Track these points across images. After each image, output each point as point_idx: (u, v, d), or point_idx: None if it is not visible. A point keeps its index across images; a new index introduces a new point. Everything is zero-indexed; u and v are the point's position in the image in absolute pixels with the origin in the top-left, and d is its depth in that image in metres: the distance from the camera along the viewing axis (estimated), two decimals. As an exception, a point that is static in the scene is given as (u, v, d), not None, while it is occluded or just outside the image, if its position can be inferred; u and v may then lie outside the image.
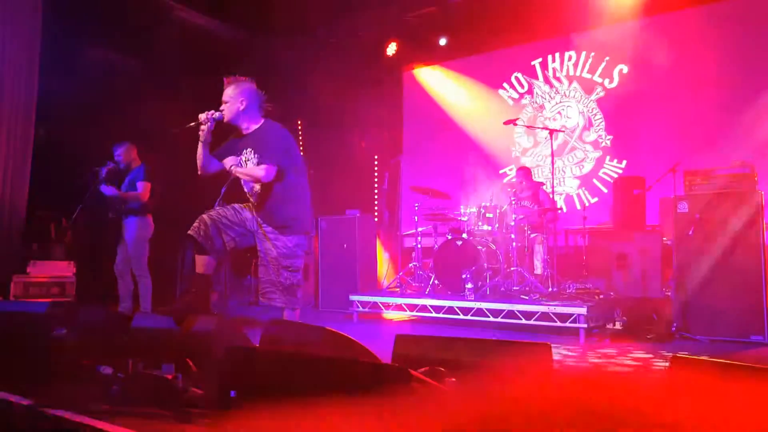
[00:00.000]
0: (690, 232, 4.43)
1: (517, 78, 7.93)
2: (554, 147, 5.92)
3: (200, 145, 3.44)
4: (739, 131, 5.90)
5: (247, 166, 3.43)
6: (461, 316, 5.24)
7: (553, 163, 5.77)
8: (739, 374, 1.38)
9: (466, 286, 5.37)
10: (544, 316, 4.71)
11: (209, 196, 4.71)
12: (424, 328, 5.29)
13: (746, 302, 4.15)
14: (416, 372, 1.81)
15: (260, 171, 3.38)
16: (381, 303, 5.86)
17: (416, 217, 6.48)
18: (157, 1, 7.72)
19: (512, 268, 5.55)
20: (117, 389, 2.32)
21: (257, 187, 3.46)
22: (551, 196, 5.91)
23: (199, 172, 3.51)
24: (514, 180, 6.74)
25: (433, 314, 5.44)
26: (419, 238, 6.43)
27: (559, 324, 4.62)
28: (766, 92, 5.94)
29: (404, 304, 5.69)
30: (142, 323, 2.97)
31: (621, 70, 7.13)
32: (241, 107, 3.43)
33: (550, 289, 5.24)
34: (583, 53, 7.41)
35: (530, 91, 7.84)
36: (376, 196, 9.01)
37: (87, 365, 2.63)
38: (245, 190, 3.56)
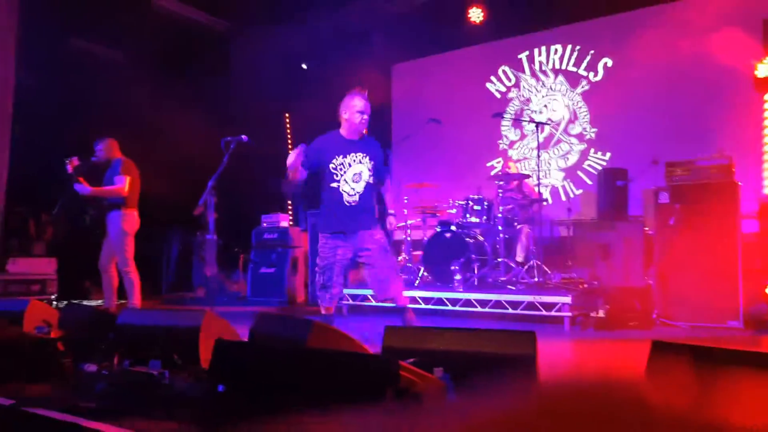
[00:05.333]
0: (671, 222, 4.54)
1: (504, 71, 7.99)
2: (540, 140, 6.01)
3: (298, 170, 3.67)
4: (719, 123, 6.02)
5: (353, 168, 3.69)
6: (450, 307, 5.32)
7: (539, 155, 5.85)
8: (715, 357, 1.46)
9: (455, 277, 5.46)
10: (531, 305, 4.81)
11: (195, 188, 4.71)
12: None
13: (723, 289, 4.28)
14: (405, 363, 1.88)
15: (393, 194, 4.04)
16: (370, 295, 5.92)
17: (405, 210, 6.54)
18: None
19: (499, 259, 5.64)
20: (102, 387, 2.28)
21: (361, 190, 3.71)
22: (537, 188, 6.01)
23: (293, 179, 3.77)
24: (500, 172, 6.82)
25: (423, 306, 5.52)
26: (408, 230, 6.49)
27: (544, 313, 4.72)
28: (743, 85, 6.06)
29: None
30: (128, 320, 2.97)
31: (605, 63, 7.23)
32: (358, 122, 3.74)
33: (535, 279, 5.34)
34: (569, 47, 7.49)
35: (517, 85, 7.91)
36: (364, 189, 9.04)
37: (71, 363, 2.59)
38: (348, 189, 3.70)
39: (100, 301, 5.34)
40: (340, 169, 3.67)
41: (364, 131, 3.78)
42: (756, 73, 5.78)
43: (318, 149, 3.72)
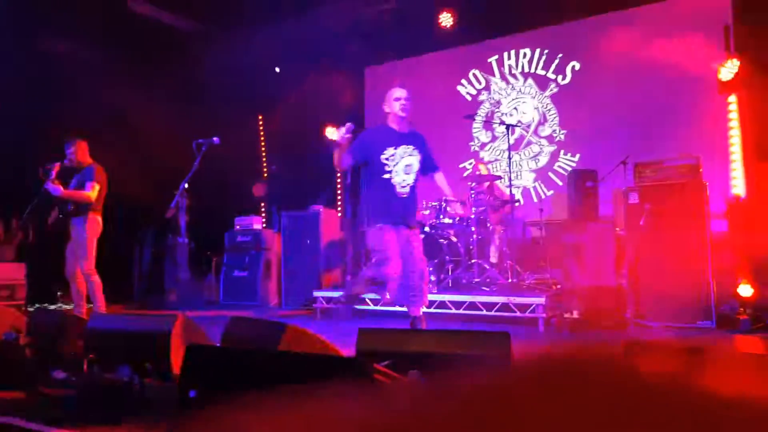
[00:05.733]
0: (641, 222, 4.63)
1: (474, 74, 8.06)
2: (511, 141, 6.07)
3: (339, 150, 3.68)
4: (686, 124, 6.18)
5: (405, 160, 3.74)
6: (424, 309, 5.32)
7: (510, 157, 5.91)
8: (686, 355, 1.49)
9: (429, 278, 5.46)
10: (505, 306, 4.85)
11: (167, 190, 4.64)
12: (388, 322, 5.36)
13: (694, 289, 4.35)
14: (379, 365, 1.87)
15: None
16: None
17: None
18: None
19: (473, 261, 5.67)
20: (71, 394, 2.25)
21: (411, 181, 3.77)
22: (509, 189, 6.06)
23: (341, 169, 3.98)
24: (472, 174, 6.87)
25: (397, 308, 5.51)
26: (382, 232, 6.48)
27: (519, 314, 4.76)
28: (708, 87, 6.22)
29: (368, 298, 5.74)
30: (98, 325, 2.90)
31: (573, 66, 7.35)
32: (400, 111, 3.78)
33: (509, 280, 5.38)
34: (537, 50, 7.60)
35: (487, 88, 7.98)
36: (339, 191, 9.02)
37: (39, 369, 2.55)
38: (400, 181, 3.73)
39: (69, 306, 5.25)
40: (392, 161, 3.70)
41: (412, 125, 3.89)
42: (719, 76, 5.94)
43: (367, 142, 3.77)
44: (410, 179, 3.74)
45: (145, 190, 6.63)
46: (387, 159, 3.69)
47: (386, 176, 3.69)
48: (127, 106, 6.75)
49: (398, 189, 3.70)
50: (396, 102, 3.77)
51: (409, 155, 3.75)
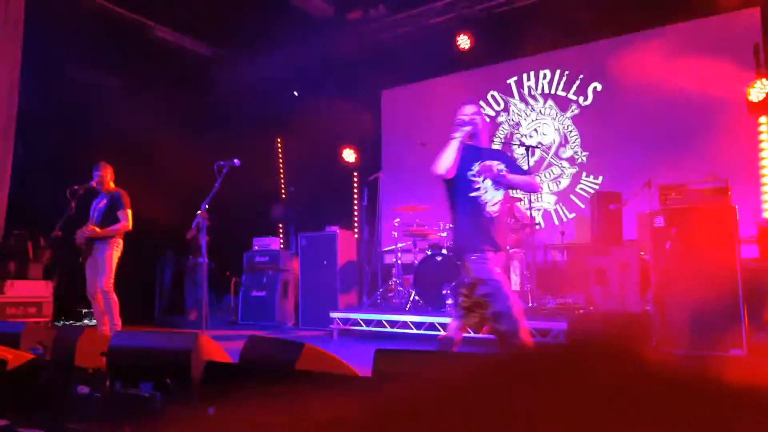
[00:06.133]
0: (667, 246, 4.50)
1: (493, 96, 8.06)
2: (531, 163, 6.01)
3: (455, 145, 3.31)
4: (713, 146, 6.05)
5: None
6: (442, 332, 5.23)
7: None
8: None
9: (447, 301, 5.38)
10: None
11: (188, 212, 4.68)
12: (404, 345, 5.27)
13: (724, 316, 4.18)
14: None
15: (536, 179, 3.54)
16: (361, 320, 5.83)
17: (396, 234, 6.49)
18: (138, 21, 7.73)
19: (492, 283, 5.57)
20: (94, 409, 2.26)
21: (501, 199, 3.36)
22: (529, 212, 5.98)
23: (440, 171, 3.36)
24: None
25: (414, 330, 5.42)
26: (399, 254, 6.43)
27: (540, 339, 4.64)
28: (737, 108, 6.11)
29: (385, 320, 5.67)
30: (121, 342, 2.92)
31: (595, 87, 7.30)
32: (481, 126, 3.48)
33: (530, 304, 5.27)
34: (558, 72, 7.57)
35: (506, 109, 7.96)
36: (356, 213, 9.01)
37: (64, 385, 2.56)
38: (489, 198, 3.33)
39: (93, 323, 5.33)
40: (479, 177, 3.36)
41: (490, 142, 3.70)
42: (749, 96, 5.83)
43: (460, 155, 3.37)
44: (499, 196, 3.37)
45: (167, 212, 6.72)
46: (474, 175, 3.36)
47: (474, 194, 3.34)
48: (150, 130, 6.91)
49: (488, 208, 3.34)
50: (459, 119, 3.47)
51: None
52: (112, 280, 5.05)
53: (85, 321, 7.22)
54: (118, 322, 5.00)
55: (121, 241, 5.17)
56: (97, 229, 5.03)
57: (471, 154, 3.38)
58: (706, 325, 4.20)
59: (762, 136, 5.92)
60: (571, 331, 4.53)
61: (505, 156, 3.53)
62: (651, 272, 4.63)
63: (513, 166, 3.42)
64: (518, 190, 3.45)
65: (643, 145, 6.67)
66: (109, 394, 2.43)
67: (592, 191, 7.07)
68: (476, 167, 3.32)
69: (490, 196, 3.30)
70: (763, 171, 5.88)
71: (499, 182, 3.29)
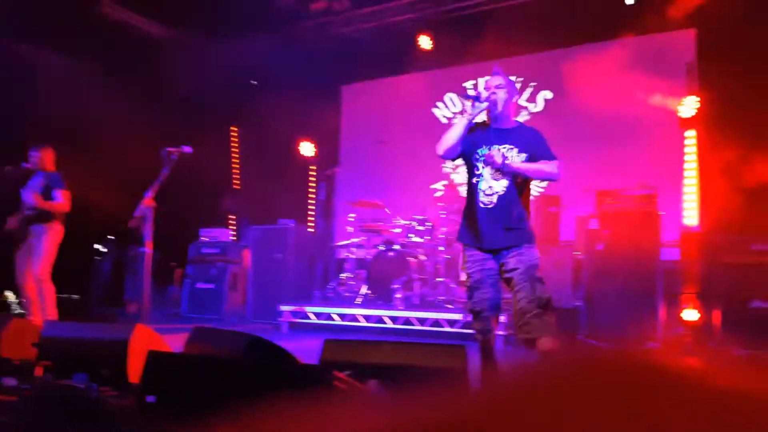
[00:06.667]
0: (599, 247, 4.80)
1: (450, 98, 8.24)
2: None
3: (464, 123, 2.92)
4: (646, 156, 6.42)
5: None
6: (390, 325, 5.38)
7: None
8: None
9: (396, 296, 5.53)
10: (468, 324, 4.93)
11: (133, 199, 4.58)
12: (354, 338, 5.37)
13: (644, 313, 4.54)
14: (340, 374, 1.91)
15: (552, 167, 2.93)
16: (311, 312, 5.91)
17: (350, 229, 6.58)
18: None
19: (440, 279, 5.76)
20: (21, 401, 2.21)
21: (501, 190, 2.92)
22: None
23: (441, 152, 3.02)
24: (444, 195, 6.99)
25: (364, 323, 5.55)
26: (353, 249, 6.53)
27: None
28: (668, 122, 6.49)
29: (335, 313, 5.76)
30: (54, 332, 2.85)
31: (545, 96, 7.59)
32: (513, 100, 3.05)
33: (474, 300, 5.47)
34: (512, 78, 7.81)
35: (463, 112, 8.15)
36: (311, 207, 9.05)
37: None
38: (481, 193, 2.96)
39: (23, 312, 5.13)
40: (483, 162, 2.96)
41: (519, 118, 3.20)
42: (679, 111, 6.21)
43: (472, 134, 2.99)
44: (500, 190, 2.93)
45: (109, 199, 6.52)
46: (478, 160, 2.99)
47: (474, 180, 3.01)
48: (95, 112, 6.67)
49: (481, 198, 2.97)
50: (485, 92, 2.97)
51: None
52: (48, 268, 4.83)
53: (15, 310, 6.86)
54: (53, 312, 4.79)
55: (60, 227, 4.96)
56: (41, 199, 4.80)
57: (485, 134, 2.99)
58: (628, 321, 4.55)
59: (687, 149, 6.32)
60: (508, 324, 4.76)
61: (529, 137, 3.00)
62: (583, 271, 4.92)
63: (540, 149, 2.95)
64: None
65: (586, 152, 6.99)
66: (39, 385, 2.39)
67: (538, 194, 7.36)
68: (484, 150, 2.93)
69: (486, 186, 2.93)
70: (687, 181, 6.29)
71: (502, 170, 2.88)
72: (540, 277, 2.86)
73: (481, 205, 2.93)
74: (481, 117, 3.01)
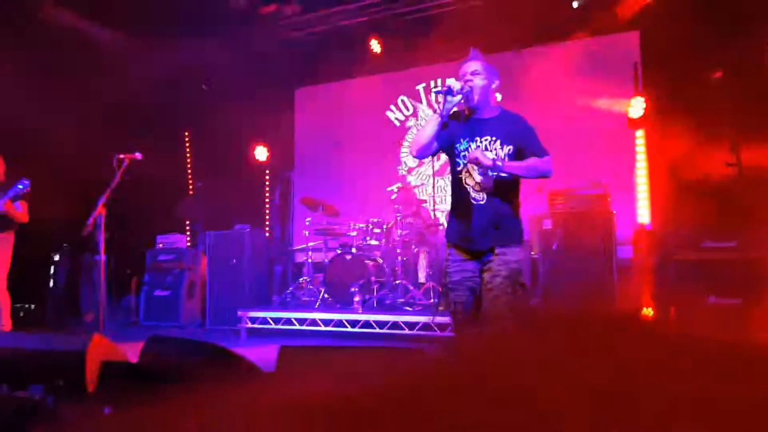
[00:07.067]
0: (554, 247, 4.95)
1: (403, 101, 8.33)
2: (436, 167, 6.31)
3: (436, 121, 2.69)
4: (598, 156, 6.65)
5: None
6: (349, 329, 5.40)
7: (435, 182, 6.15)
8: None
9: (354, 299, 5.55)
10: (427, 326, 5.00)
11: (85, 207, 4.47)
12: (313, 342, 5.38)
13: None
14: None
15: (546, 164, 2.76)
16: (270, 318, 5.87)
17: (307, 232, 6.57)
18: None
19: (397, 281, 5.81)
20: None
21: (490, 186, 2.74)
22: (433, 213, 6.28)
23: (415, 153, 2.80)
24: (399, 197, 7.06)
25: (323, 327, 5.54)
26: (310, 252, 6.52)
27: (439, 333, 4.92)
28: (618, 122, 6.74)
29: (294, 318, 5.74)
30: (6, 343, 2.80)
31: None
32: (492, 86, 2.85)
33: (432, 301, 5.56)
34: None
35: (415, 114, 8.26)
36: (267, 211, 8.97)
37: None
38: (471, 194, 2.76)
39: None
40: (464, 158, 2.75)
41: (498, 104, 2.95)
42: (628, 112, 6.46)
43: (447, 128, 2.78)
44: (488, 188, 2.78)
45: (61, 207, 6.34)
46: (458, 154, 2.79)
47: (459, 176, 2.82)
48: (43, 118, 6.47)
49: (473, 202, 2.78)
50: (461, 82, 2.76)
51: (488, 152, 2.71)
52: (3, 278, 4.76)
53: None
54: (7, 323, 4.71)
55: (12, 237, 4.90)
56: (12, 206, 4.75)
57: (464, 126, 2.79)
58: (584, 319, 4.69)
59: (638, 149, 6.59)
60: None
61: (515, 127, 2.80)
62: (539, 270, 5.07)
63: (529, 142, 2.77)
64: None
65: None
66: (-5, 397, 2.34)
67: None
68: (464, 144, 2.74)
69: (473, 182, 2.75)
70: (638, 180, 6.55)
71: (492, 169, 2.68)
72: (522, 282, 2.74)
73: (472, 202, 2.74)
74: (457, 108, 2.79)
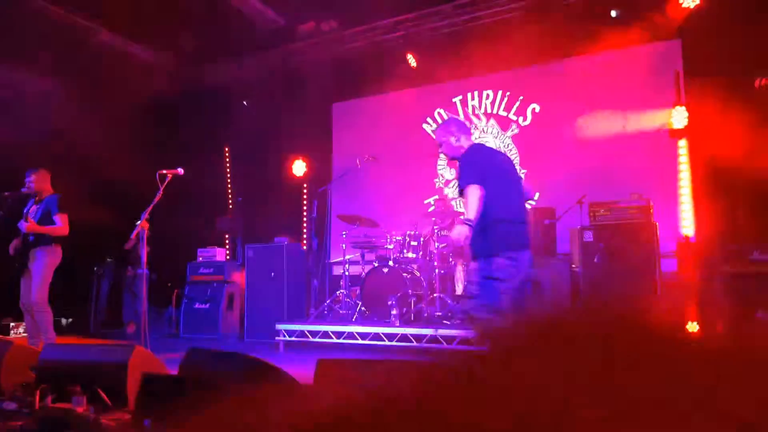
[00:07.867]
0: (595, 260, 4.81)
1: (439, 113, 8.32)
2: (474, 179, 6.23)
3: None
4: (639, 166, 6.47)
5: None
6: (386, 342, 5.36)
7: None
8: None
9: (392, 312, 5.52)
10: (465, 340, 4.92)
11: (129, 221, 4.61)
12: (350, 355, 5.36)
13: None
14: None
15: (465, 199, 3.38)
16: (308, 331, 5.88)
17: (344, 245, 6.59)
18: (80, 24, 7.55)
19: (435, 295, 5.76)
20: (21, 426, 2.21)
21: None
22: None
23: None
24: (436, 210, 7.02)
25: (360, 341, 5.53)
26: (347, 266, 6.53)
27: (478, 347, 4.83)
28: (660, 131, 6.56)
29: (331, 331, 5.74)
30: (51, 355, 2.85)
31: (534, 108, 7.66)
32: (455, 142, 3.56)
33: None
34: (500, 92, 7.91)
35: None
36: (304, 225, 9.05)
37: None
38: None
39: (23, 336, 5.11)
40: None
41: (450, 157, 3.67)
42: (670, 122, 6.28)
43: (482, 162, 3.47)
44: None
45: (106, 221, 6.55)
46: None
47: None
48: (90, 136, 6.73)
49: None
50: None
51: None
52: (45, 292, 4.84)
53: (14, 334, 6.90)
54: (52, 335, 4.79)
55: (59, 250, 4.96)
56: (36, 225, 4.80)
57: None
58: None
59: (681, 159, 6.38)
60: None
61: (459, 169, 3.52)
62: (581, 283, 4.93)
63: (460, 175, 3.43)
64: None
65: (577, 163, 7.04)
66: (39, 409, 2.39)
67: (529, 207, 7.39)
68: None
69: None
70: (681, 191, 6.33)
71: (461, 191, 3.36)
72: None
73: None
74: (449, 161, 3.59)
